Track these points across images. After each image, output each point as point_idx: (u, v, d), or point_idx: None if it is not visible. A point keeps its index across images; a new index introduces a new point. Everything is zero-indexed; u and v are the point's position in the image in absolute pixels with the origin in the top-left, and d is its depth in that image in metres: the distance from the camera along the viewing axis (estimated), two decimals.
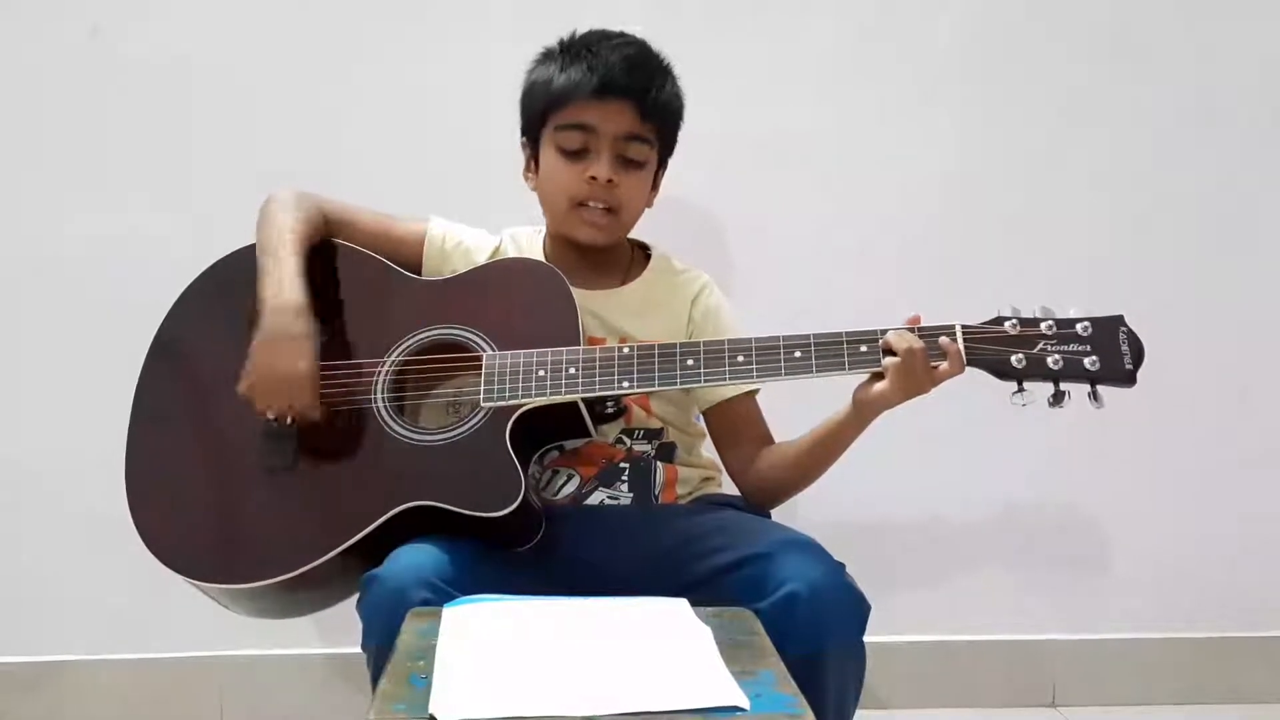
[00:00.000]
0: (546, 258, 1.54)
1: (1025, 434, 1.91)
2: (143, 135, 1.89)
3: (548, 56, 1.51)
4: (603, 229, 1.48)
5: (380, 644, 1.16)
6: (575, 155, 1.46)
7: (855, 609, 1.25)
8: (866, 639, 1.26)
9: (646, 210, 1.56)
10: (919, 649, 1.99)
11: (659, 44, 1.53)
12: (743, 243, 1.92)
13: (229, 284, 1.50)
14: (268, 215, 1.48)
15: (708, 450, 1.58)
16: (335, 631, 1.83)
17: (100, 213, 1.90)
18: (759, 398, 1.53)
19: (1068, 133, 1.96)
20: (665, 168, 1.56)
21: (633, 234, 1.59)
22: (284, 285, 1.38)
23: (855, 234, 1.94)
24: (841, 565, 1.26)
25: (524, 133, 1.55)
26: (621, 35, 1.50)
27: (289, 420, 1.37)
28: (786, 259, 1.92)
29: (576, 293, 1.41)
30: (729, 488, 1.55)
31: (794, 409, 1.43)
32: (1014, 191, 1.96)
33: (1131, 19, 1.95)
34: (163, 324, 1.51)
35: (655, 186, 1.56)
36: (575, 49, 1.48)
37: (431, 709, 0.90)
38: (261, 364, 1.34)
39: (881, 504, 1.95)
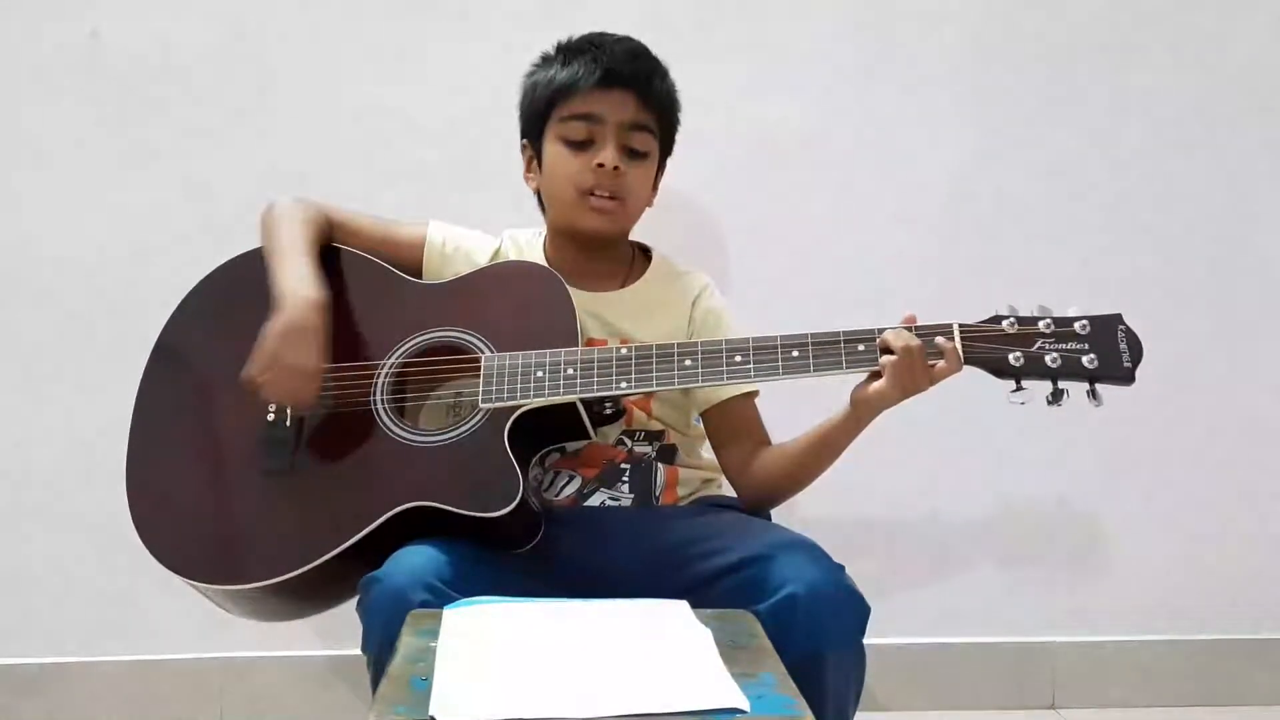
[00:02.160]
0: (547, 260, 1.55)
1: (1025, 435, 1.92)
2: (143, 138, 1.89)
3: (546, 60, 1.53)
4: (610, 215, 1.49)
5: (380, 646, 1.16)
6: (581, 146, 1.47)
7: (855, 611, 1.25)
8: (866, 641, 1.26)
9: (647, 211, 1.57)
10: (919, 651, 1.98)
11: (661, 43, 1.54)
12: (742, 244, 1.92)
13: (233, 288, 1.52)
14: (274, 220, 1.49)
15: (708, 452, 1.58)
16: (335, 633, 1.83)
17: (102, 214, 1.90)
18: (758, 400, 1.53)
19: (1068, 133, 1.96)
20: (664, 169, 1.57)
21: (633, 236, 1.59)
22: (304, 281, 1.39)
23: (854, 235, 1.94)
24: (841, 567, 1.26)
25: (524, 134, 1.56)
26: (620, 34, 1.52)
27: (285, 414, 1.38)
28: (785, 260, 1.92)
29: (577, 294, 1.41)
30: (729, 489, 1.55)
31: (793, 410, 1.43)
32: (1014, 192, 1.96)
33: (1131, 19, 1.95)
34: (166, 327, 1.52)
35: (655, 187, 1.57)
36: (576, 47, 1.51)
37: (432, 711, 0.90)
38: (273, 352, 1.34)
39: (881, 505, 1.96)
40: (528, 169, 1.57)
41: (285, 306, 1.36)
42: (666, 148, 1.56)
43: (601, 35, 1.52)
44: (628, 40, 1.51)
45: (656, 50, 1.53)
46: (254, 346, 1.35)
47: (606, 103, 1.47)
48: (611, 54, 1.47)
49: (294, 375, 1.35)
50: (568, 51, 1.51)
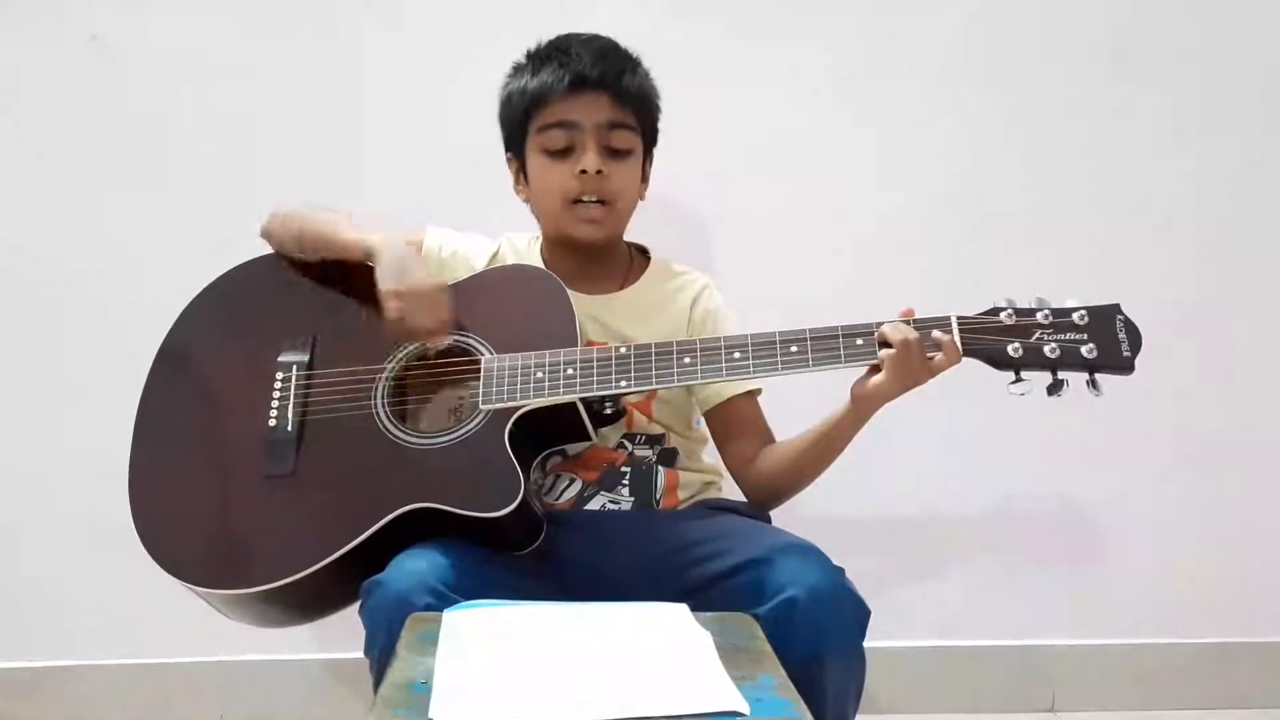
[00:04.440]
0: (544, 264, 1.55)
1: (1025, 439, 1.91)
2: (146, 142, 1.90)
3: (518, 69, 1.53)
4: (599, 223, 1.49)
5: (383, 649, 1.16)
6: (561, 154, 1.47)
7: (855, 614, 1.24)
8: (866, 644, 1.26)
9: (645, 212, 1.57)
10: (918, 654, 1.98)
11: (661, 48, 1.54)
12: (742, 245, 1.92)
13: (237, 294, 1.53)
14: (291, 215, 1.52)
15: (709, 455, 1.58)
16: (335, 637, 1.83)
17: (105, 219, 1.90)
18: (761, 399, 1.54)
19: (1067, 134, 1.96)
20: (651, 159, 1.57)
21: (631, 237, 1.59)
22: (377, 230, 1.44)
23: (854, 236, 1.94)
24: (841, 570, 1.26)
25: (508, 147, 1.56)
26: (587, 34, 1.51)
27: (287, 418, 1.39)
28: (785, 261, 1.92)
29: (576, 297, 1.42)
30: (730, 492, 1.55)
31: (796, 407, 1.43)
32: (1013, 193, 1.96)
33: (1131, 20, 1.95)
34: (170, 332, 1.52)
35: (645, 179, 1.56)
36: (544, 54, 1.50)
37: (432, 714, 0.90)
38: (399, 285, 1.37)
39: (881, 508, 1.96)
40: (516, 182, 1.56)
41: (382, 249, 1.40)
42: (650, 139, 1.55)
43: (569, 37, 1.50)
44: (595, 39, 1.50)
45: (655, 56, 1.53)
46: (381, 297, 1.38)
47: (580, 107, 1.46)
48: (579, 57, 1.46)
49: (426, 296, 1.38)
50: (536, 59, 1.50)
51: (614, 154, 1.48)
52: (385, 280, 1.38)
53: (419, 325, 1.38)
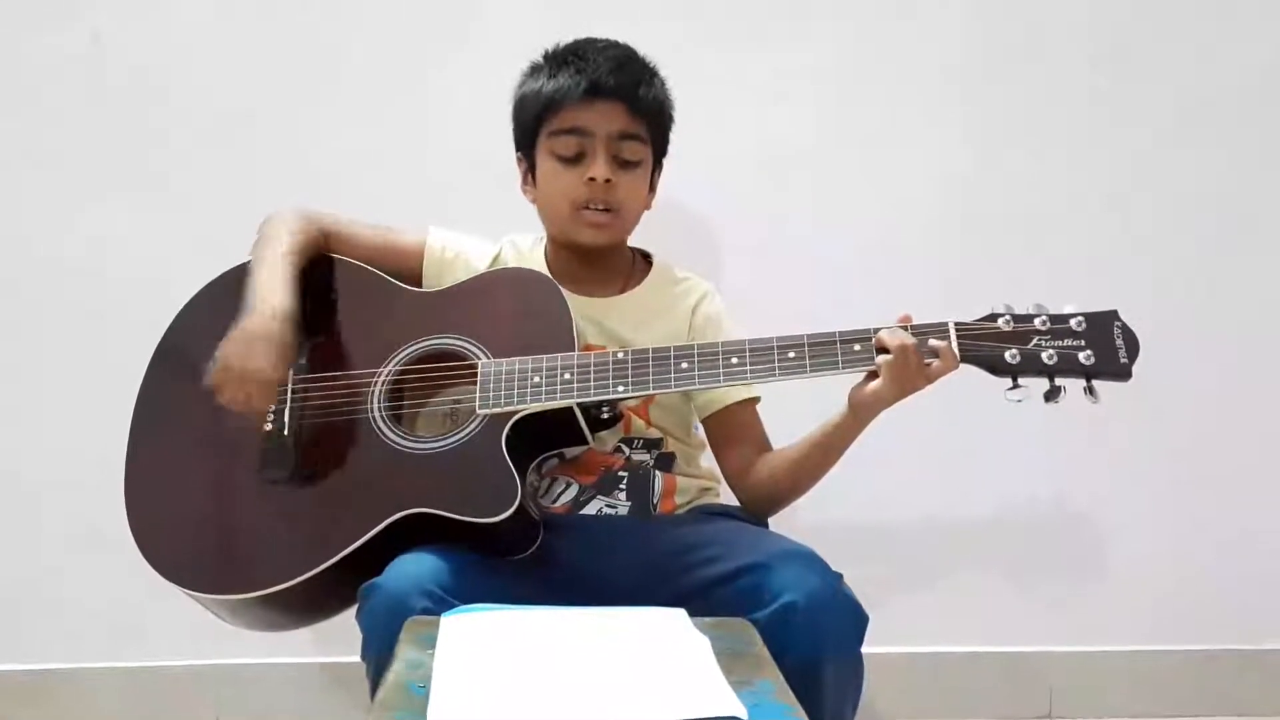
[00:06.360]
0: (547, 266, 1.55)
1: (1023, 446, 1.91)
2: (145, 142, 1.89)
3: (535, 69, 1.53)
4: (604, 228, 1.49)
5: (379, 653, 1.16)
6: (572, 160, 1.47)
7: (853, 619, 1.25)
8: (864, 649, 1.26)
9: (648, 217, 1.56)
10: (916, 660, 1.98)
11: (664, 56, 1.54)
12: (743, 252, 1.91)
13: (234, 295, 1.51)
14: (266, 230, 1.50)
15: (707, 460, 1.58)
16: (333, 640, 1.82)
17: (103, 220, 1.90)
18: (759, 407, 1.53)
19: (1067, 139, 1.96)
20: (661, 169, 1.57)
21: (634, 242, 1.59)
22: (273, 290, 1.39)
23: (853, 241, 1.94)
24: (839, 575, 1.26)
25: (518, 146, 1.56)
26: (606, 40, 1.52)
27: (283, 423, 1.39)
28: (786, 269, 1.92)
29: (576, 300, 1.42)
30: (728, 498, 1.55)
31: (794, 413, 1.43)
32: (1013, 198, 1.96)
33: (1131, 20, 1.95)
34: (166, 333, 1.52)
35: (652, 188, 1.56)
36: (561, 57, 1.50)
37: (430, 717, 0.90)
38: (233, 356, 1.34)
39: (879, 514, 1.95)
40: (524, 181, 1.57)
41: (250, 314, 1.36)
42: (661, 149, 1.55)
43: (588, 43, 1.51)
44: (613, 47, 1.50)
45: (655, 57, 1.53)
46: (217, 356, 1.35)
47: (594, 115, 1.46)
48: (596, 65, 1.46)
49: (249, 381, 1.34)
50: (553, 62, 1.50)
51: (623, 164, 1.48)
52: (227, 344, 1.34)
53: (230, 399, 1.35)
